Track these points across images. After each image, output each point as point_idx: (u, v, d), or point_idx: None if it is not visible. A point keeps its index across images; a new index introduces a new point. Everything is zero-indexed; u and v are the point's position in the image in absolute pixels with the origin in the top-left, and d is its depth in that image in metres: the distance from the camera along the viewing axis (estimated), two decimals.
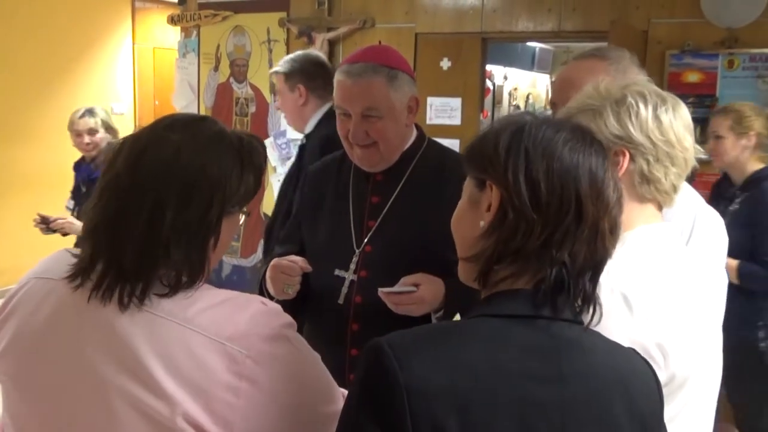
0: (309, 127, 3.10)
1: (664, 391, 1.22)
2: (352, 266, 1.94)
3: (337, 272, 1.94)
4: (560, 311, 1.00)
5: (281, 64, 3.15)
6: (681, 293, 1.28)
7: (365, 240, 1.96)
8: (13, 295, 1.21)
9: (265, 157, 1.26)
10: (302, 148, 3.13)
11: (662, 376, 1.21)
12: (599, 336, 1.07)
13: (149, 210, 1.09)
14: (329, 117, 2.81)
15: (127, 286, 1.09)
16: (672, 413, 1.24)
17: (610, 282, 1.20)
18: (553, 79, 8.37)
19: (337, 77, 1.94)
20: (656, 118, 1.30)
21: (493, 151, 1.04)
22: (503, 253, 1.01)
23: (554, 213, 0.99)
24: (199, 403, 1.04)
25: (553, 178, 1.00)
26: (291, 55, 3.21)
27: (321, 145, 2.77)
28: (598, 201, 1.01)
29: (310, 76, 3.07)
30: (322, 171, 2.13)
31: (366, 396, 0.95)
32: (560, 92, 1.92)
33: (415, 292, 1.79)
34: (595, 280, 1.04)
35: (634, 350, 1.09)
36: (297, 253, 1.97)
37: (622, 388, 1.02)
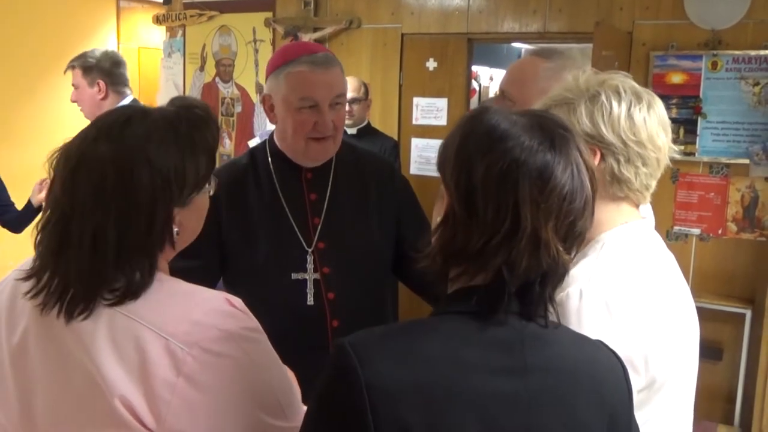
0: None
1: (643, 394, 1.22)
2: (309, 266, 1.92)
3: (294, 275, 1.91)
4: (508, 309, 0.98)
5: (78, 59, 3.33)
6: (660, 295, 1.28)
7: (315, 238, 1.94)
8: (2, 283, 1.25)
9: (213, 126, 1.21)
10: None
11: (641, 381, 1.21)
12: (564, 329, 1.07)
13: (91, 237, 1.09)
14: None
15: (72, 302, 1.10)
16: (650, 415, 1.24)
17: (591, 288, 1.20)
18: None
19: (300, 68, 1.86)
20: (629, 117, 1.28)
21: (444, 153, 1.04)
22: (447, 254, 1.01)
23: (490, 221, 0.96)
24: (138, 392, 1.05)
25: (491, 184, 0.96)
26: (88, 51, 3.39)
27: None
28: (539, 209, 0.95)
29: (110, 73, 3.31)
30: (234, 176, 1.97)
31: (327, 395, 0.95)
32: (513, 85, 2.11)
33: None
34: (545, 285, 1.00)
35: (601, 342, 1.08)
36: (203, 269, 1.80)
37: (589, 380, 1.01)
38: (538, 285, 0.99)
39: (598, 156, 1.28)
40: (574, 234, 1.00)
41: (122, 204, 1.09)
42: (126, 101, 3.34)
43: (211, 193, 1.24)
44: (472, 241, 0.97)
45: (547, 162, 0.96)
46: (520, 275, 0.97)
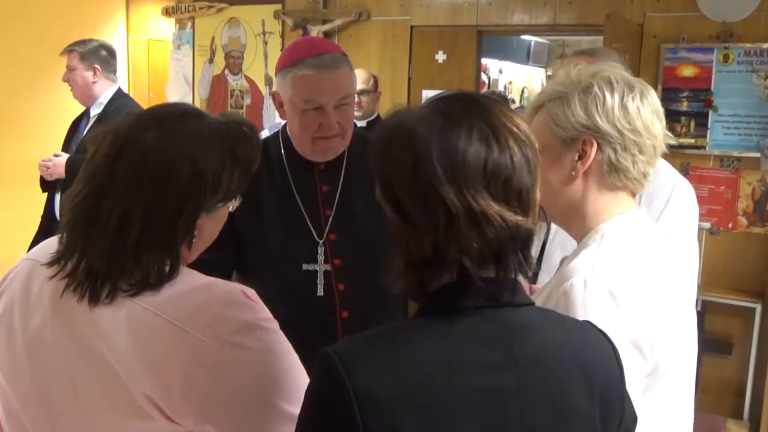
0: (98, 105, 3.73)
1: (647, 380, 1.23)
2: (320, 257, 1.93)
3: (305, 266, 1.92)
4: (480, 302, 0.96)
5: (78, 44, 3.77)
6: (661, 283, 1.30)
7: (327, 229, 1.95)
8: (7, 275, 1.26)
9: (255, 145, 1.24)
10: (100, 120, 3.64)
11: (648, 366, 1.23)
12: (552, 314, 1.06)
13: (119, 216, 1.10)
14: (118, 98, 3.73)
15: (96, 285, 1.11)
16: (652, 401, 1.25)
17: (594, 277, 1.22)
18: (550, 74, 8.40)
19: (306, 72, 1.84)
20: (623, 106, 1.30)
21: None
22: (411, 268, 0.98)
23: (427, 221, 0.94)
24: (159, 384, 1.06)
25: (410, 186, 0.95)
26: (86, 40, 3.84)
27: None
28: (461, 186, 0.93)
29: (105, 60, 3.76)
30: None
31: (316, 408, 0.93)
32: None
33: None
34: (504, 261, 0.96)
35: (588, 323, 1.08)
36: (219, 261, 1.83)
37: (577, 363, 1.00)
38: (499, 262, 0.96)
39: (595, 147, 1.30)
40: (515, 192, 0.96)
41: (155, 192, 1.11)
42: (113, 88, 3.78)
43: (231, 209, 1.25)
44: (423, 246, 0.95)
45: (449, 138, 0.94)
46: (479, 258, 0.94)
